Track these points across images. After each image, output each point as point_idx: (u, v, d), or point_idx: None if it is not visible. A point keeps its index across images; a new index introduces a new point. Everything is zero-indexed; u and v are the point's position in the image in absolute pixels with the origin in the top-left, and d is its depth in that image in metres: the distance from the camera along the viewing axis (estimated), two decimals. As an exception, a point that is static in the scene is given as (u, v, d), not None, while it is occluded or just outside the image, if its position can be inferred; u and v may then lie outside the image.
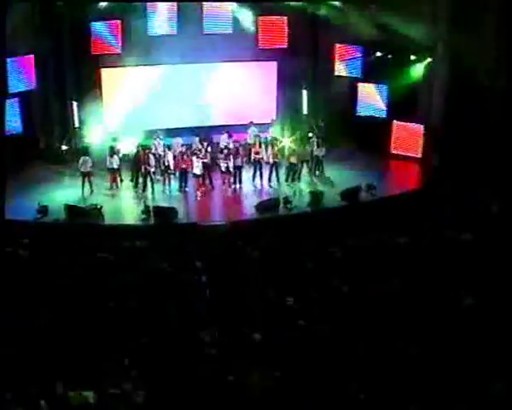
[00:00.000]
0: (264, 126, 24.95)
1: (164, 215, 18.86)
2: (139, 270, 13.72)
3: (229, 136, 23.61)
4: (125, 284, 12.83)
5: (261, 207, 19.56)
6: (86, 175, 21.78)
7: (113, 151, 22.32)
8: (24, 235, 16.59)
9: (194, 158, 21.73)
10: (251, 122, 24.87)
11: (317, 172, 23.21)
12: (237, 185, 22.29)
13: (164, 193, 21.95)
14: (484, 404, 8.94)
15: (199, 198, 21.65)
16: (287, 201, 19.72)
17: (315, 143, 23.15)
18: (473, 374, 9.43)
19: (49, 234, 17.43)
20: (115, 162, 22.08)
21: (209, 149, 22.57)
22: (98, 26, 25.10)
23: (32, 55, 24.20)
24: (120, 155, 22.75)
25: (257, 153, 22.50)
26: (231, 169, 22.00)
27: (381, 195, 21.01)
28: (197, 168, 21.68)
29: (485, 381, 9.23)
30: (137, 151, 22.38)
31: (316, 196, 20.00)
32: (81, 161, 21.85)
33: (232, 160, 22.00)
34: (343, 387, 9.21)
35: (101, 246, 15.60)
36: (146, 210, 19.04)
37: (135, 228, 18.67)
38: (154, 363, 9.91)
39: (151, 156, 21.98)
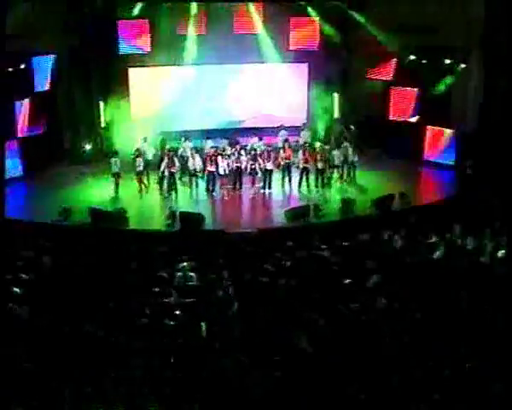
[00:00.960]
0: (294, 130, 24.50)
1: (190, 221, 18.15)
2: (163, 279, 13.11)
3: (259, 139, 23.04)
4: (147, 294, 12.24)
5: (291, 214, 18.78)
6: (116, 176, 21.32)
7: (138, 153, 21.80)
8: (45, 238, 16.05)
9: (219, 158, 21.23)
10: (281, 125, 24.42)
11: (348, 178, 22.48)
12: (266, 190, 21.61)
13: (191, 197, 21.36)
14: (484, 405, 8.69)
15: (225, 198, 21.15)
16: (317, 208, 18.96)
17: (348, 148, 22.33)
18: (475, 376, 9.15)
19: (71, 238, 16.86)
20: (141, 164, 21.50)
21: (242, 152, 21.90)
22: (126, 25, 24.68)
23: (57, 54, 23.79)
24: (149, 156, 22.16)
25: (287, 157, 21.79)
26: (259, 173, 21.48)
27: (414, 203, 20.11)
28: (221, 168, 21.22)
29: (486, 382, 8.94)
30: (162, 153, 21.80)
31: (347, 203, 19.21)
32: (112, 161, 21.37)
33: (262, 163, 21.44)
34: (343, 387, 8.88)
35: (125, 252, 15.01)
36: (171, 215, 18.38)
37: (160, 234, 17.94)
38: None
39: (175, 159, 21.32)
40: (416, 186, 22.51)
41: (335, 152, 22.19)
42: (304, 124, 25.21)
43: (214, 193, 21.44)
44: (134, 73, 25.31)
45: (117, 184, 21.33)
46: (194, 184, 21.55)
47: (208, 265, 14.08)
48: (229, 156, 21.61)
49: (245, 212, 21.07)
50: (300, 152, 21.88)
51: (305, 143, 22.92)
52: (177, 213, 18.41)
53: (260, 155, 21.62)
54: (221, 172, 21.29)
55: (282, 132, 23.84)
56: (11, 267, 13.19)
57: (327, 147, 22.45)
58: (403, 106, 25.34)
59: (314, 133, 24.61)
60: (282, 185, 21.97)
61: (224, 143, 22.81)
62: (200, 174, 21.56)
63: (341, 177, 22.47)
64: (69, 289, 12.25)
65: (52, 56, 23.68)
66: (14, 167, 22.45)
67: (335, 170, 22.38)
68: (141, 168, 21.54)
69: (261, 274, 13.24)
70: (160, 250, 14.83)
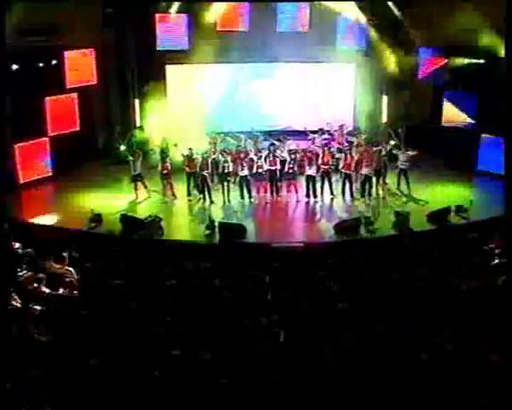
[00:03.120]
0: (337, 133, 22.89)
1: (231, 232, 16.72)
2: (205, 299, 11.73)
3: (297, 142, 21.81)
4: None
5: (340, 227, 17.23)
6: (136, 179, 20.14)
7: (166, 155, 20.59)
8: (73, 246, 14.77)
9: (251, 160, 20.02)
10: (322, 129, 22.90)
11: (399, 187, 20.84)
12: (311, 199, 20.12)
13: (224, 204, 19.95)
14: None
15: (262, 206, 19.90)
16: (368, 221, 17.38)
17: (399, 155, 20.72)
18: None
19: (101, 247, 15.58)
20: (166, 167, 20.18)
21: (284, 154, 20.47)
22: (164, 20, 23.57)
23: (92, 49, 22.72)
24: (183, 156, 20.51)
25: (325, 163, 20.16)
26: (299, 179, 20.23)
27: (472, 218, 18.45)
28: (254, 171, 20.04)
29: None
30: (191, 156, 20.25)
31: (402, 216, 17.57)
32: (131, 162, 20.12)
33: (303, 168, 20.11)
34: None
35: (162, 265, 13.67)
36: (211, 226, 16.98)
37: (199, 246, 16.51)
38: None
39: (209, 161, 20.04)
40: (469, 198, 20.65)
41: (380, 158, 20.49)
42: (349, 127, 23.68)
43: (252, 199, 20.07)
44: (172, 71, 24.11)
45: (137, 189, 20.12)
46: (226, 189, 20.05)
47: (252, 283, 12.65)
48: (265, 159, 20.15)
49: (286, 223, 19.34)
50: (342, 157, 20.43)
51: (350, 147, 21.36)
52: (217, 224, 17.03)
53: (301, 159, 20.27)
54: (253, 175, 20.08)
55: (323, 136, 22.41)
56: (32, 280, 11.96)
57: (375, 151, 20.71)
58: (456, 111, 23.61)
59: (361, 137, 22.82)
60: (321, 193, 20.33)
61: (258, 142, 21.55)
62: (230, 178, 20.13)
63: (398, 185, 20.84)
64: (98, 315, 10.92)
65: (87, 51, 22.57)
66: (43, 167, 21.67)
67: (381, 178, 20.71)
68: (165, 171, 20.21)
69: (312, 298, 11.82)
70: (203, 266, 13.36)
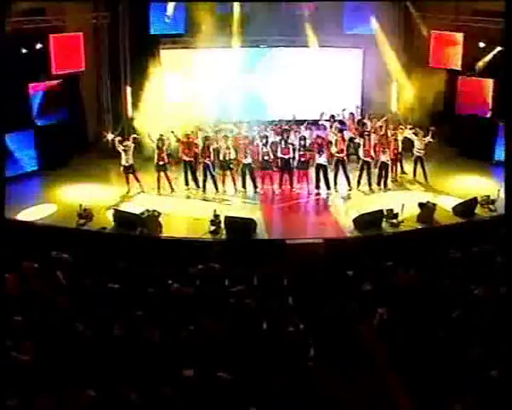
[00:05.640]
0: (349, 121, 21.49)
1: (239, 228, 14.95)
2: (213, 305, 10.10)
3: (307, 129, 20.29)
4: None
5: (361, 221, 15.51)
6: (127, 170, 18.80)
7: (162, 144, 19.00)
8: (62, 247, 13.10)
9: (257, 147, 18.91)
10: (332, 116, 21.42)
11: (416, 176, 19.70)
12: (323, 190, 18.79)
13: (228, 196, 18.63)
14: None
15: (261, 193, 18.60)
16: (392, 214, 15.70)
17: (416, 141, 19.55)
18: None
19: (92, 247, 13.88)
20: (162, 158, 18.82)
21: (295, 141, 19.08)
22: (159, 1, 21.70)
23: (81, 33, 20.93)
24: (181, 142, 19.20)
25: (340, 151, 18.82)
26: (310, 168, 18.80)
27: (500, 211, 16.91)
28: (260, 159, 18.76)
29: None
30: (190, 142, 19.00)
31: (427, 208, 15.89)
32: (122, 152, 18.73)
33: (315, 157, 18.68)
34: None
35: (161, 266, 12.00)
36: (216, 221, 15.20)
37: (204, 244, 14.76)
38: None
39: (211, 148, 18.70)
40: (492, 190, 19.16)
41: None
42: (357, 116, 22.13)
43: (257, 189, 18.72)
44: (167, 56, 22.34)
45: (129, 182, 18.75)
46: (227, 178, 18.88)
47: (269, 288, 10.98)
48: (273, 144, 18.83)
49: (299, 217, 17.83)
50: (361, 144, 19.10)
51: (369, 133, 19.86)
52: (223, 218, 15.29)
53: (311, 146, 18.89)
54: (247, 161, 18.67)
55: (335, 124, 20.87)
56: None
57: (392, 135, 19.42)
58: (473, 99, 22.08)
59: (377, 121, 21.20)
60: (335, 184, 19.02)
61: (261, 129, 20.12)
62: (234, 167, 18.84)
63: (414, 174, 19.71)
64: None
65: (75, 35, 20.75)
66: (28, 160, 20.09)
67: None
68: (161, 162, 18.81)
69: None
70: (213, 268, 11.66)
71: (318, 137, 19.26)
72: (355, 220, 15.62)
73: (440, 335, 9.19)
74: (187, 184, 19.11)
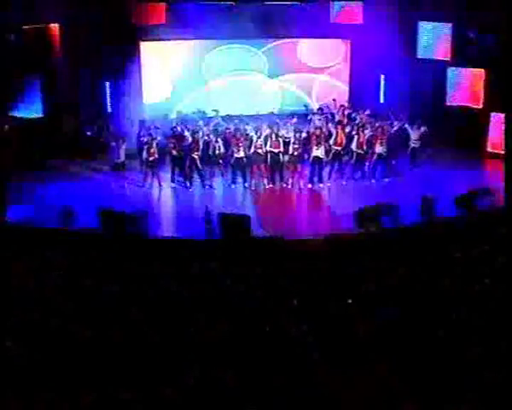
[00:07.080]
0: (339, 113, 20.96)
1: (233, 225, 14.13)
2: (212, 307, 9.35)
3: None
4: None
5: (360, 216, 14.78)
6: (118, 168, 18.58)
7: (151, 140, 18.34)
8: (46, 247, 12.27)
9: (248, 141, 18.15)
10: (320, 108, 21.30)
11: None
12: (318, 184, 18.36)
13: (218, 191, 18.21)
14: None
15: (252, 187, 18.14)
16: (391, 208, 15.05)
17: (411, 132, 19.38)
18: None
19: (77, 247, 13.01)
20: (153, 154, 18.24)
21: (288, 134, 18.43)
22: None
23: (57, 24, 20.26)
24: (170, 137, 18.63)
25: (339, 144, 18.43)
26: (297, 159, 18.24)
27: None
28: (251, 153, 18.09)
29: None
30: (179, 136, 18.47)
31: (428, 201, 15.29)
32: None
33: (310, 150, 18.17)
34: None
35: (151, 267, 11.21)
36: (208, 217, 14.36)
37: (197, 243, 13.96)
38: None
39: (200, 142, 18.10)
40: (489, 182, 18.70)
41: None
42: (347, 108, 21.54)
43: (246, 184, 18.24)
44: (147, 48, 21.56)
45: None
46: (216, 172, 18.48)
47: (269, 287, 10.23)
48: (265, 139, 18.17)
49: (293, 212, 17.39)
50: (355, 136, 18.63)
51: (359, 126, 19.35)
52: (216, 215, 14.49)
53: (306, 139, 18.36)
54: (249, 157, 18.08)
55: (322, 116, 20.55)
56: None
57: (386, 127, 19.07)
58: (463, 90, 21.73)
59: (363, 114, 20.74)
60: (329, 177, 18.61)
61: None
62: (222, 162, 18.34)
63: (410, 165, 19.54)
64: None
65: (50, 26, 20.16)
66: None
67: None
68: (152, 158, 18.24)
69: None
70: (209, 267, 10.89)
71: (317, 128, 18.71)
72: (354, 215, 14.92)
73: (440, 335, 8.63)
74: (173, 181, 18.56)
